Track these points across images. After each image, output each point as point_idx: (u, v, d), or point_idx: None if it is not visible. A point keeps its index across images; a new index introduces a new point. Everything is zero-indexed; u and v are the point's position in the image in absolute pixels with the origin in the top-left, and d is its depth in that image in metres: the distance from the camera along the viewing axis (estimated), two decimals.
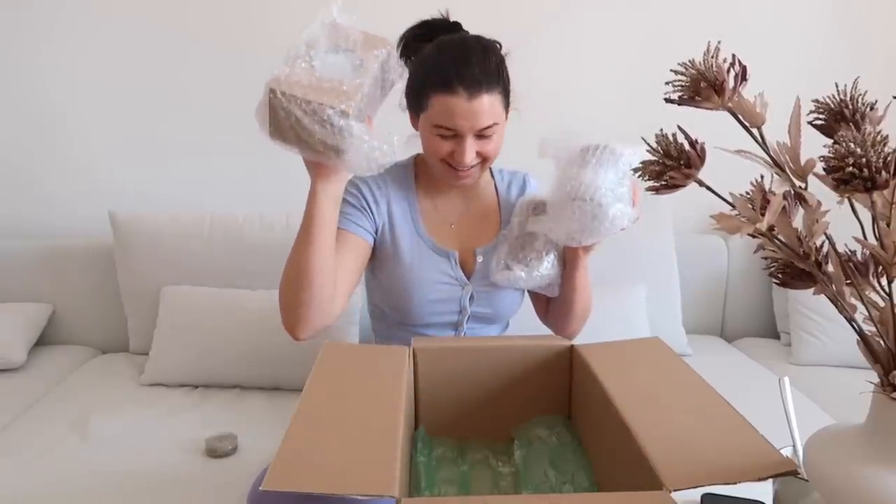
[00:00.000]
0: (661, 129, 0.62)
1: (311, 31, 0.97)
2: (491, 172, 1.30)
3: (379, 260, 1.22)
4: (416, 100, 1.12)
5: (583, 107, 2.09)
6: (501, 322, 1.30)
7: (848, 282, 0.60)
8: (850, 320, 0.60)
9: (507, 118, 1.16)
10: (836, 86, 0.60)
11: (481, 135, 1.10)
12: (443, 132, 1.09)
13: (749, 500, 0.89)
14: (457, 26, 1.20)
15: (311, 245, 1.01)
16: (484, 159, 1.13)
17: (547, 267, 1.13)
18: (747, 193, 0.62)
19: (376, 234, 1.21)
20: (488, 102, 1.07)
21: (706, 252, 2.10)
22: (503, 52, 1.16)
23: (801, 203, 0.60)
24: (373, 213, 1.20)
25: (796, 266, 0.62)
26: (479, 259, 1.22)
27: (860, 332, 0.60)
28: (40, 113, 2.09)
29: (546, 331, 1.31)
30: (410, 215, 1.22)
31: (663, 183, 0.62)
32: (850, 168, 0.52)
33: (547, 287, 1.18)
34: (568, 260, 1.17)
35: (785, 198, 0.60)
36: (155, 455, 1.44)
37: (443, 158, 1.12)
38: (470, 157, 1.10)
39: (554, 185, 1.07)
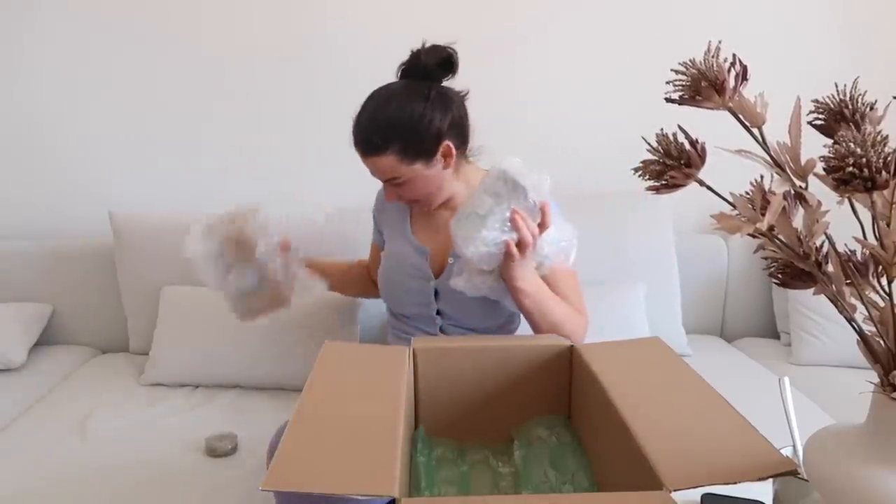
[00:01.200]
0: (662, 129, 0.62)
1: (210, 269, 1.28)
2: None
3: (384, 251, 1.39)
4: None
5: (583, 107, 2.09)
6: (473, 316, 1.29)
7: (848, 282, 0.60)
8: (850, 320, 0.60)
9: (445, 159, 1.19)
10: (836, 86, 0.60)
11: (392, 183, 1.20)
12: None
13: (749, 500, 0.89)
14: (414, 68, 1.20)
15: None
16: (412, 199, 1.23)
17: (484, 280, 1.10)
18: (747, 193, 0.62)
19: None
20: (381, 163, 1.17)
21: (706, 252, 2.10)
22: (464, 96, 1.22)
23: (801, 203, 0.60)
24: (377, 221, 1.42)
25: (796, 266, 0.62)
26: (450, 260, 1.26)
27: (860, 332, 0.60)
28: (40, 113, 2.09)
29: None
30: (399, 218, 1.35)
31: (663, 183, 0.61)
32: (850, 168, 0.51)
33: (491, 297, 1.15)
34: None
35: (785, 198, 0.60)
36: (155, 455, 1.44)
37: None
38: (390, 196, 1.24)
39: None
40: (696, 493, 0.86)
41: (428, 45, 1.20)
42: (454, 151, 1.20)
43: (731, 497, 0.88)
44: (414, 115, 1.16)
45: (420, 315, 1.32)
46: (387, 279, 1.35)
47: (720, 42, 0.59)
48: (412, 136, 1.16)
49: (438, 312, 1.30)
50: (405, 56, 1.20)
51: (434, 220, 1.32)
